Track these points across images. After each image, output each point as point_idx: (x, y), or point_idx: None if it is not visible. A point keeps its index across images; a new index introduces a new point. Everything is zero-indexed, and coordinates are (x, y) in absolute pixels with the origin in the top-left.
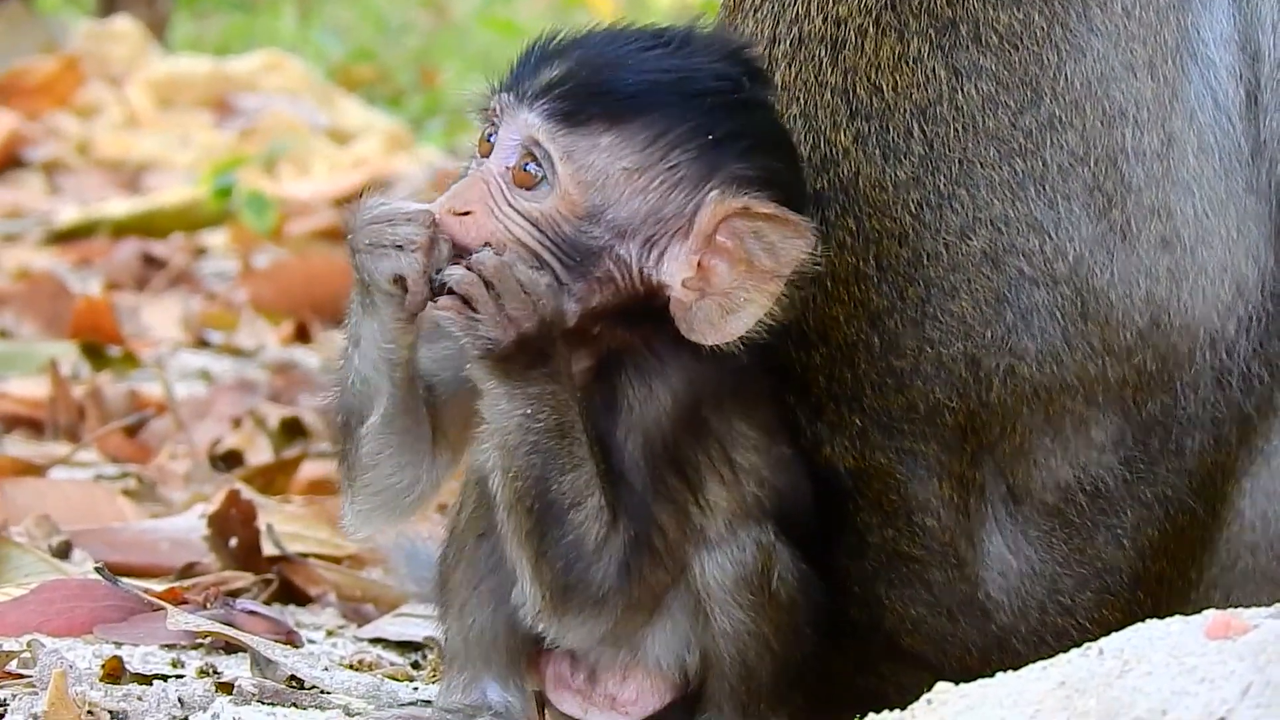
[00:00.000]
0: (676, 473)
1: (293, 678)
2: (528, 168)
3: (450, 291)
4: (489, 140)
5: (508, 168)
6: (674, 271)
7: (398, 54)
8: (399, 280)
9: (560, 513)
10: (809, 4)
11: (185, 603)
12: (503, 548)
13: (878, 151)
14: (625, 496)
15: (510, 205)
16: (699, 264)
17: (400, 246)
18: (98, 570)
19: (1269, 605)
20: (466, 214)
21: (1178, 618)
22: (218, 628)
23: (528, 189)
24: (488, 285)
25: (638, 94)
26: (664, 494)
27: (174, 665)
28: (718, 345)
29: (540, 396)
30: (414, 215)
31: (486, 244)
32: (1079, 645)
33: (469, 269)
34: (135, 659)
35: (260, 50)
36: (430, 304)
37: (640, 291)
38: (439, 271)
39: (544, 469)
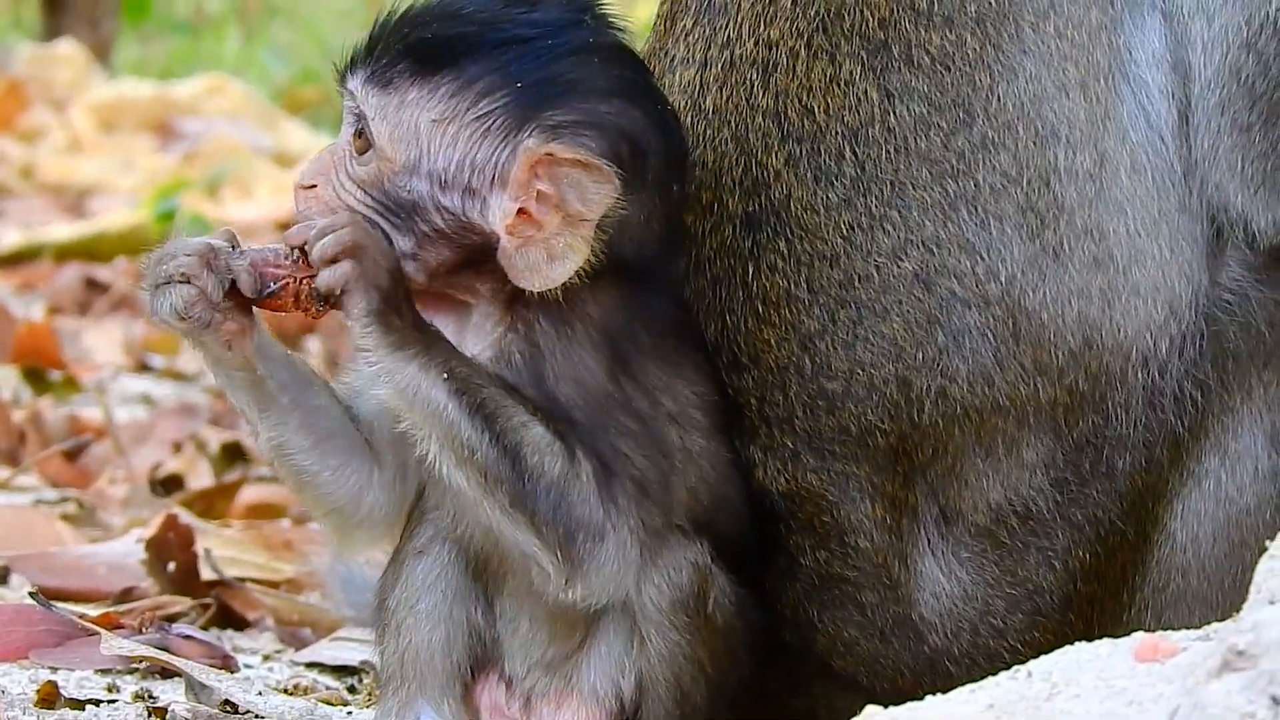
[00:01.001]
0: (628, 413)
1: (227, 702)
2: (361, 134)
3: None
4: None
5: (349, 138)
6: (496, 220)
7: None
8: (186, 315)
9: (520, 462)
10: (740, 27)
11: (121, 627)
12: (504, 548)
13: (809, 174)
14: (570, 430)
15: (346, 174)
16: (519, 211)
17: (172, 281)
18: (32, 595)
19: (1199, 628)
20: (313, 186)
21: (1106, 640)
22: (153, 652)
23: (360, 154)
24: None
25: (442, 47)
26: (619, 429)
27: (109, 690)
28: (545, 292)
29: (443, 361)
30: (185, 248)
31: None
32: (1010, 667)
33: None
34: (71, 684)
35: (204, 74)
36: (220, 320)
37: (474, 241)
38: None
39: (486, 424)
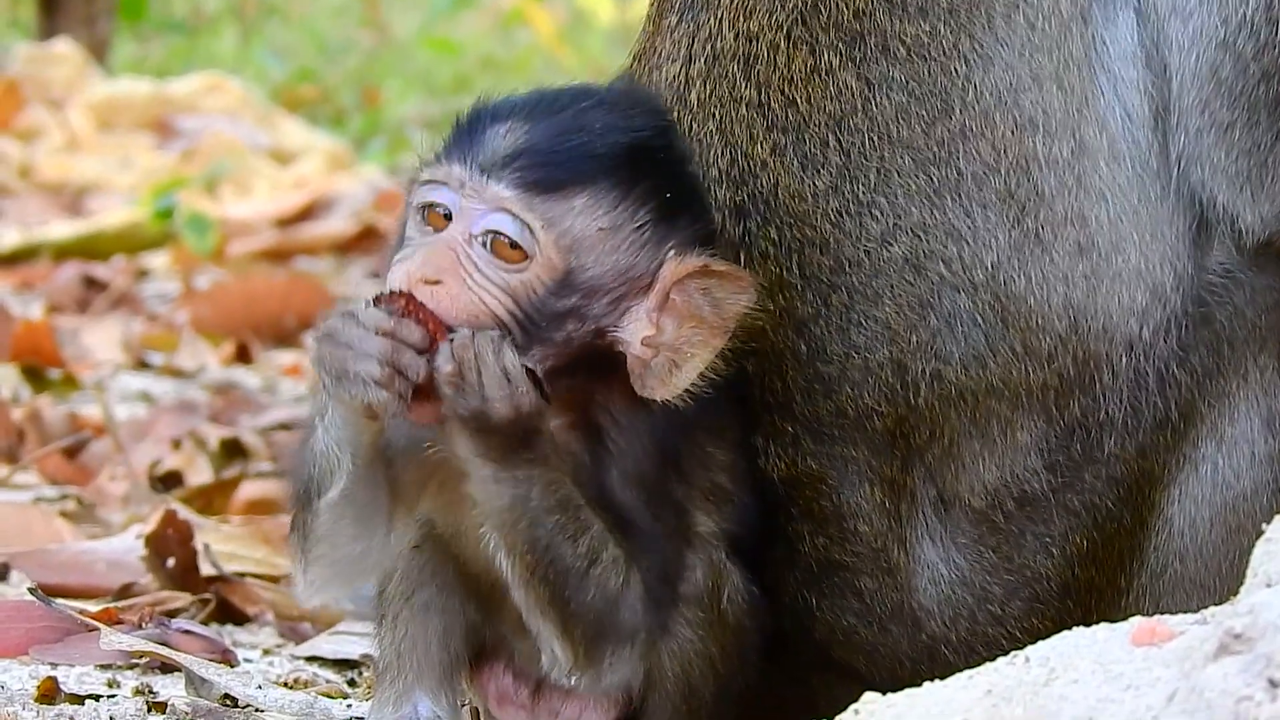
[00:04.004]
0: (674, 511)
1: (227, 696)
2: (502, 238)
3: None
4: (437, 209)
5: (478, 236)
6: (635, 330)
7: (339, 74)
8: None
9: (579, 576)
10: (721, 22)
11: (121, 623)
12: (521, 614)
13: (796, 162)
14: (632, 537)
15: (485, 275)
16: (655, 321)
17: (367, 380)
18: (32, 591)
19: (1197, 612)
20: (437, 283)
21: (1104, 625)
22: (152, 647)
23: (506, 260)
24: (466, 368)
25: (602, 154)
26: (666, 528)
27: (110, 685)
28: (666, 400)
29: (532, 479)
30: (379, 349)
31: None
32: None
33: (452, 354)
34: (71, 679)
35: (201, 72)
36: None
37: (596, 350)
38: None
39: (551, 542)
